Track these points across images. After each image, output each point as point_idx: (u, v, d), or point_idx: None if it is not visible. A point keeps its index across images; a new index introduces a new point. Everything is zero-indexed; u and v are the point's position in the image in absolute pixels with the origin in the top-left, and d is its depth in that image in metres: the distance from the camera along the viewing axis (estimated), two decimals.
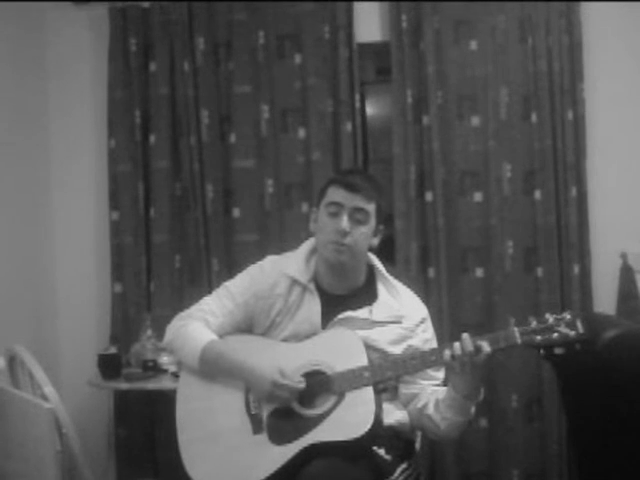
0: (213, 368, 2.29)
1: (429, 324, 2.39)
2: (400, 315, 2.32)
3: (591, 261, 3.54)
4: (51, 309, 3.77)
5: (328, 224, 2.30)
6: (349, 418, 2.12)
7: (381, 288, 2.37)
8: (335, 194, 2.31)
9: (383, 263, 2.44)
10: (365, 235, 2.30)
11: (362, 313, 2.30)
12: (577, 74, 3.52)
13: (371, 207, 2.31)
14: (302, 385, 2.18)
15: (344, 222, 2.26)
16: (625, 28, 3.61)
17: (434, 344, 2.35)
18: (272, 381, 2.17)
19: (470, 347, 2.11)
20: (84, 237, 3.83)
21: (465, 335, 2.14)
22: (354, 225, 2.28)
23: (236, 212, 3.70)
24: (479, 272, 3.61)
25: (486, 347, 2.11)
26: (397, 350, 2.28)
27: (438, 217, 3.56)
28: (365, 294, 2.36)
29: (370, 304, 2.33)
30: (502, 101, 3.58)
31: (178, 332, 2.36)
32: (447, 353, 2.14)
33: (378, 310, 2.32)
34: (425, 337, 2.34)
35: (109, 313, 3.71)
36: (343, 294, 2.35)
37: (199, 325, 2.35)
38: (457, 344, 2.13)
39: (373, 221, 2.32)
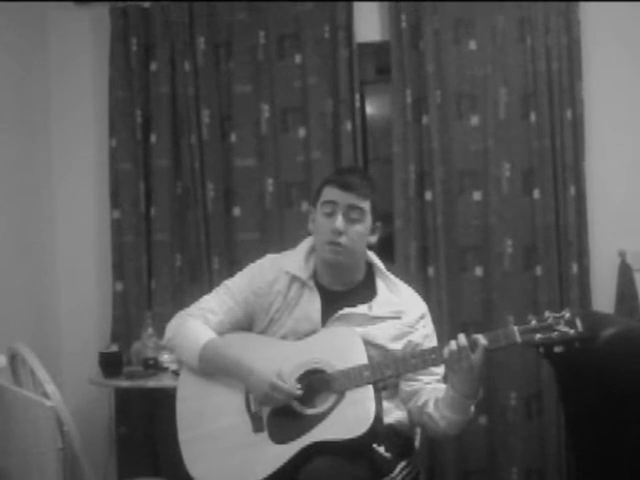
0: (212, 366, 2.30)
1: (429, 320, 2.41)
2: (400, 310, 2.34)
3: (590, 260, 3.55)
4: (52, 307, 3.78)
5: (324, 224, 2.31)
6: (349, 416, 2.13)
7: (380, 284, 2.39)
8: (329, 193, 2.33)
9: (383, 262, 2.45)
10: (361, 234, 2.32)
11: (361, 309, 2.32)
12: (576, 73, 3.53)
13: (366, 205, 2.32)
14: (299, 392, 2.19)
15: (338, 221, 2.28)
16: (624, 27, 3.61)
17: (434, 340, 2.37)
18: (270, 383, 2.18)
19: (464, 342, 2.14)
20: (85, 236, 3.83)
21: (461, 333, 2.17)
22: (349, 224, 2.29)
23: (236, 211, 3.70)
24: (478, 271, 3.62)
25: (482, 340, 2.13)
26: (397, 346, 2.30)
27: (437, 216, 3.57)
28: (364, 291, 2.37)
29: (369, 300, 2.34)
30: (501, 100, 3.59)
31: (178, 330, 2.37)
32: (446, 351, 2.16)
33: (378, 306, 2.33)
34: (425, 333, 2.36)
35: (110, 311, 3.71)
36: (342, 290, 2.37)
37: (199, 323, 2.36)
38: (453, 341, 2.15)
39: (369, 219, 2.34)
